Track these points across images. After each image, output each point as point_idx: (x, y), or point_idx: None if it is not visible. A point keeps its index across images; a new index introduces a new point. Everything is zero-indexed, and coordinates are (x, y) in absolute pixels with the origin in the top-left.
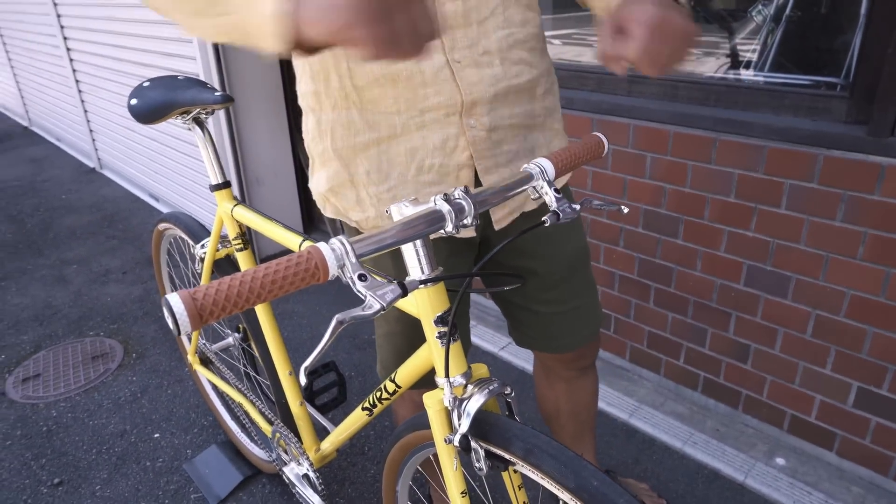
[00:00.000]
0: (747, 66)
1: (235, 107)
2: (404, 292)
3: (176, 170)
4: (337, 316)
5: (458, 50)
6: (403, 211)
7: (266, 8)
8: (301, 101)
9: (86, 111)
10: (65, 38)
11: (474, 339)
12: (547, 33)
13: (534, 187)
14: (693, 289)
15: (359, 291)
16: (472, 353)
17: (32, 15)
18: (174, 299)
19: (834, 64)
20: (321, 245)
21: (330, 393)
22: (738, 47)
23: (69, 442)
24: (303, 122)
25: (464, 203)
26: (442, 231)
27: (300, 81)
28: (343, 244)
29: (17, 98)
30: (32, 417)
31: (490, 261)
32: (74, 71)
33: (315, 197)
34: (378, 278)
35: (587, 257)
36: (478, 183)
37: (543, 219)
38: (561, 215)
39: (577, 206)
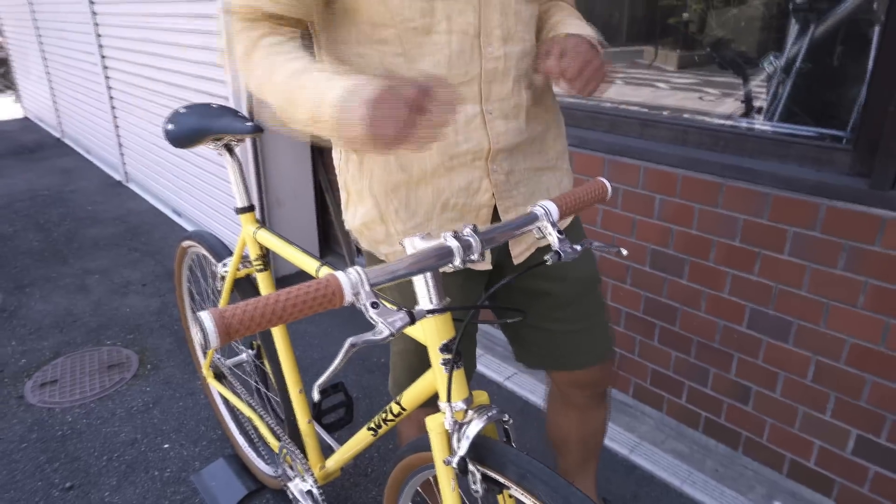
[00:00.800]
0: (757, 114)
1: (264, 137)
2: (412, 320)
3: (200, 188)
4: (350, 339)
5: (492, 102)
6: (416, 245)
7: (326, 129)
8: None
9: (117, 126)
10: (102, 57)
11: (481, 368)
12: None
13: (538, 227)
14: (697, 329)
15: (370, 318)
16: (478, 382)
17: (73, 33)
18: (206, 316)
19: (840, 117)
20: (339, 273)
21: (337, 413)
22: (749, 95)
23: (82, 448)
24: (343, 160)
25: (472, 240)
26: (450, 265)
27: None
28: (359, 273)
29: (51, 110)
30: (48, 422)
31: (504, 285)
32: (109, 88)
33: (349, 229)
34: (389, 306)
35: (597, 282)
36: (496, 220)
37: (546, 258)
38: (562, 255)
39: (578, 248)
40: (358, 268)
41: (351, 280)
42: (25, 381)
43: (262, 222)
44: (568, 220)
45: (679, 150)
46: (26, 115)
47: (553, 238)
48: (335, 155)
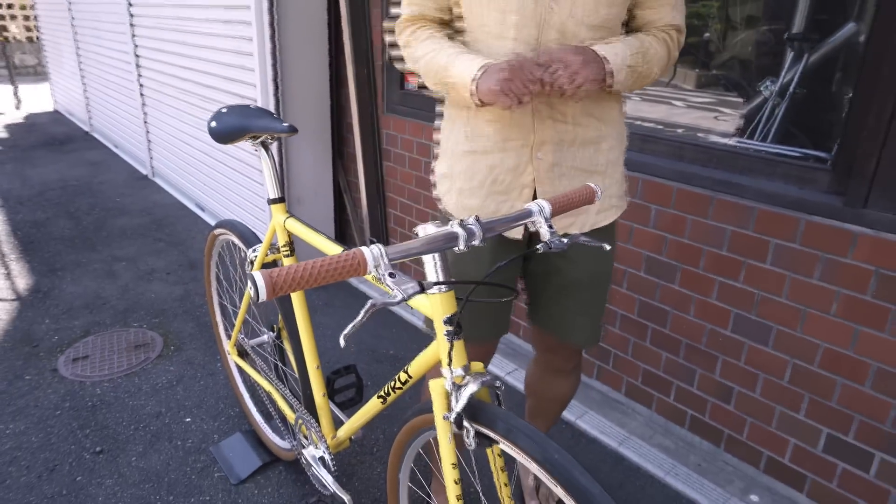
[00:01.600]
0: (751, 134)
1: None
2: (422, 289)
3: (223, 183)
4: (370, 300)
5: (541, 101)
6: (428, 230)
7: (466, 90)
8: (444, 111)
9: (146, 123)
10: (137, 56)
11: None
12: None
13: (533, 222)
14: (686, 331)
15: (388, 285)
16: None
17: (110, 33)
18: (258, 275)
19: (825, 139)
20: (364, 248)
21: (348, 393)
22: (750, 116)
23: (111, 417)
24: (442, 125)
25: (475, 229)
26: (456, 248)
27: (447, 98)
28: (380, 249)
29: (82, 105)
30: (80, 393)
31: (527, 256)
32: (141, 86)
33: (434, 177)
34: (404, 277)
35: (607, 280)
36: None
37: (536, 247)
38: (551, 246)
39: (566, 240)
40: (379, 245)
41: (373, 254)
42: (58, 355)
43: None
44: (604, 223)
45: (675, 165)
46: (56, 109)
47: (544, 232)
48: (441, 126)
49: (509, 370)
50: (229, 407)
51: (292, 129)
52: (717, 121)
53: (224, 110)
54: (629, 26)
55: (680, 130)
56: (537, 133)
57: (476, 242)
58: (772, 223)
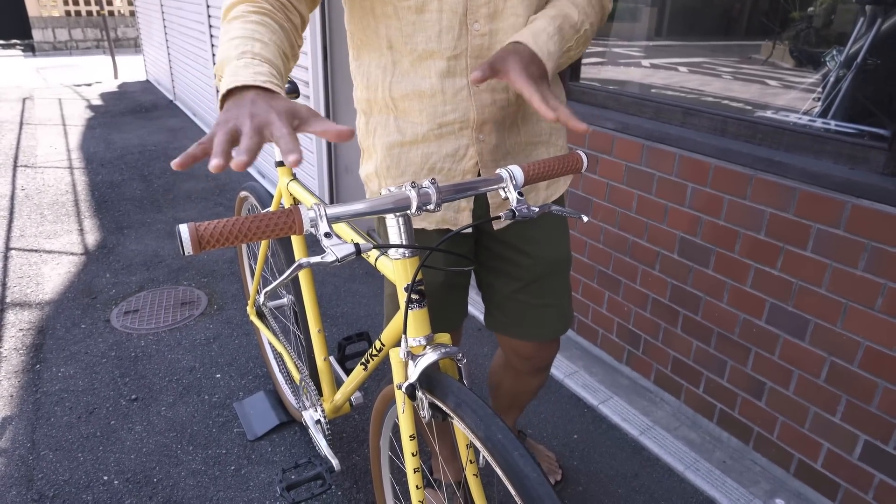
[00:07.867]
0: (809, 109)
1: (335, 104)
2: (357, 253)
3: None
4: (300, 260)
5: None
6: (389, 191)
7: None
8: (356, 105)
9: (217, 90)
10: (210, 26)
11: None
12: (676, 60)
13: (502, 189)
14: (718, 320)
15: (324, 246)
16: None
17: (189, 3)
18: (183, 228)
19: (888, 115)
20: (301, 207)
21: (358, 360)
22: (805, 89)
23: (149, 368)
24: (358, 120)
25: (430, 192)
26: (408, 211)
27: (357, 89)
28: (317, 209)
29: (167, 75)
30: (126, 344)
31: (483, 248)
32: (213, 55)
33: (363, 180)
34: (342, 238)
35: (567, 267)
36: None
37: (500, 214)
38: (517, 213)
39: (535, 209)
40: (320, 204)
41: (310, 213)
42: (112, 308)
43: (331, 186)
44: (557, 194)
45: (714, 140)
46: (147, 78)
47: (512, 199)
48: (357, 120)
49: None
50: (258, 367)
51: (292, 90)
52: (772, 95)
53: None
54: None
55: (733, 104)
56: (478, 113)
57: (430, 207)
58: (814, 206)
